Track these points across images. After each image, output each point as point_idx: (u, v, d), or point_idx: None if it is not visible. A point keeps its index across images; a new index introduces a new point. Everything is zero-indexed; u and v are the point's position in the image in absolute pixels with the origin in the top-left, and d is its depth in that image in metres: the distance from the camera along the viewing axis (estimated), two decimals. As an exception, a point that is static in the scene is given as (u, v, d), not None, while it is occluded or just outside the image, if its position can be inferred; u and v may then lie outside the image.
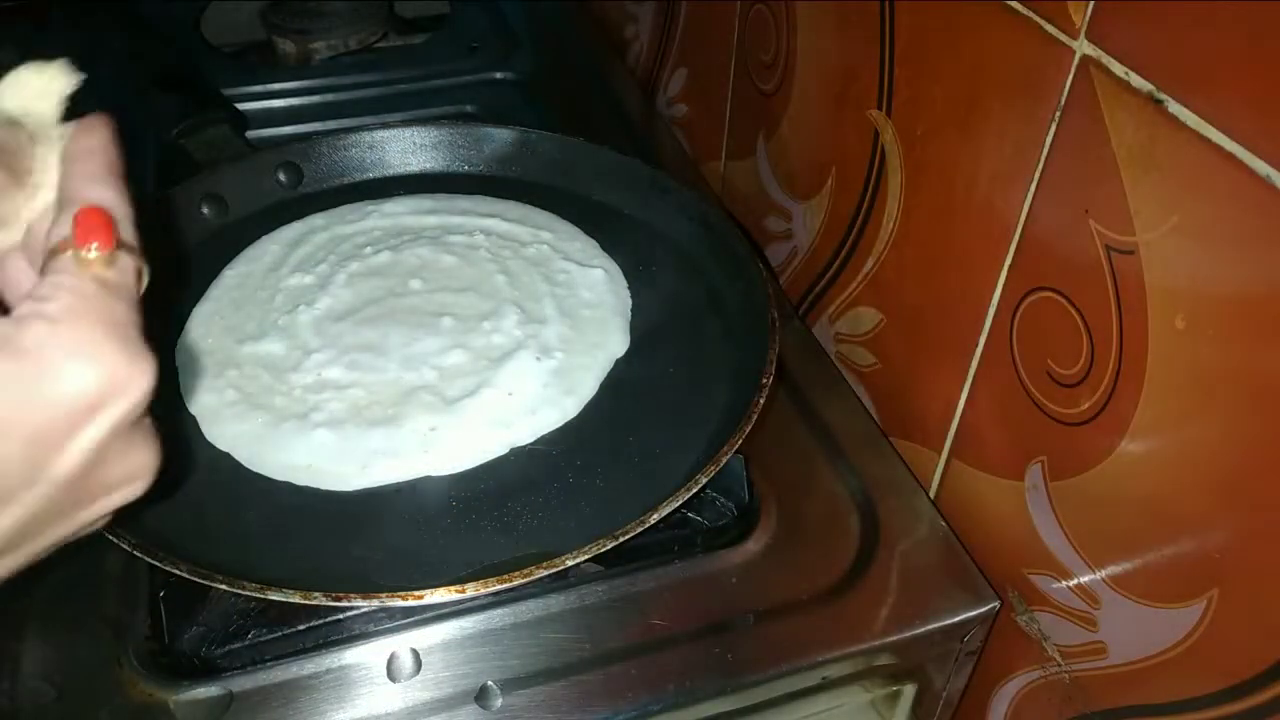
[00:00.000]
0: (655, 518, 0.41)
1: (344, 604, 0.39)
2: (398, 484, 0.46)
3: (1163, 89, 0.34)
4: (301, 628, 0.43)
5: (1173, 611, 0.38)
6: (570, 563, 0.39)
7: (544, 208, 0.62)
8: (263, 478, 0.46)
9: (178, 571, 0.38)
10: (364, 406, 0.48)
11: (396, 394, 0.49)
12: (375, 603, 0.40)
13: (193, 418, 0.48)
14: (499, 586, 0.39)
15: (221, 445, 0.47)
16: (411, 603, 0.39)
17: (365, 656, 0.42)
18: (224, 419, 0.48)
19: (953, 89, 0.46)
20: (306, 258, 0.57)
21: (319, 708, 0.40)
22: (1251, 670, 0.36)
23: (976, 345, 0.48)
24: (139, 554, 0.39)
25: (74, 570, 0.45)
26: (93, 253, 0.27)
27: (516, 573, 0.39)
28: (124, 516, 0.41)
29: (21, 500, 0.26)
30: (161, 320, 0.52)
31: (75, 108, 0.75)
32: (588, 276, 0.57)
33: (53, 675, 0.41)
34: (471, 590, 0.39)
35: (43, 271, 0.27)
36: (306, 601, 0.38)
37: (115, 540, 0.39)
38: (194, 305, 0.54)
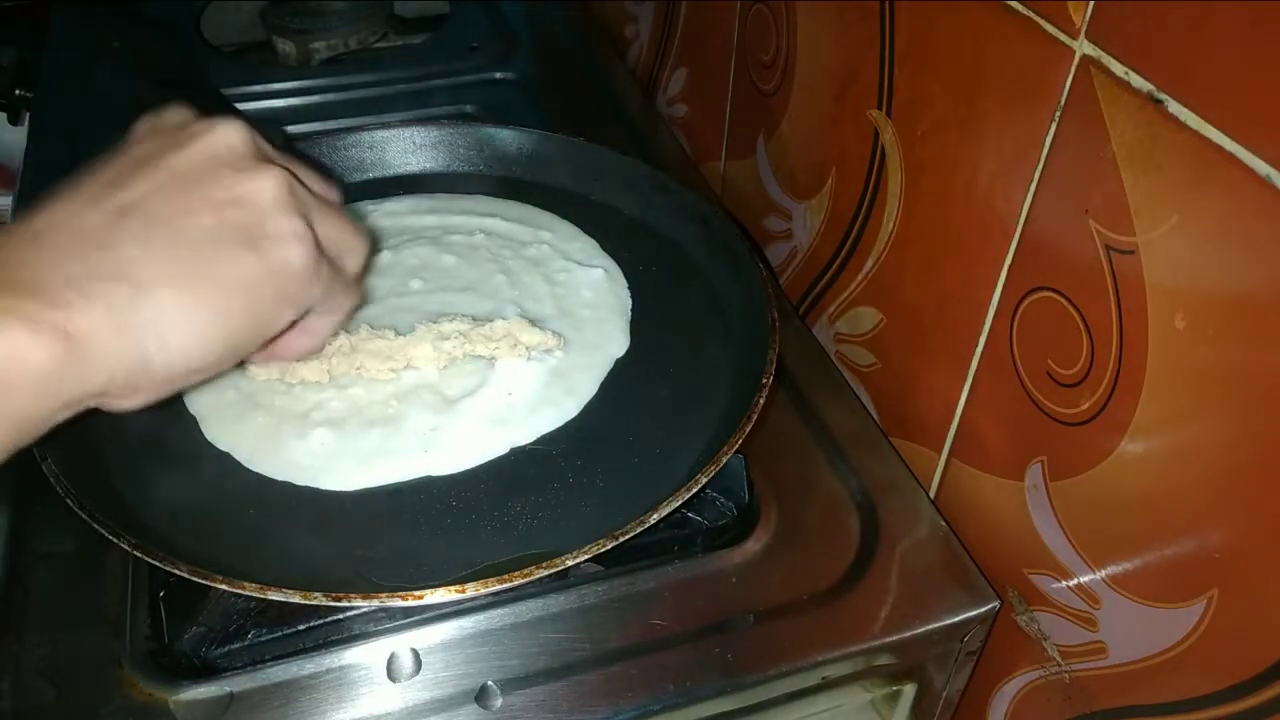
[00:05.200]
0: (655, 518, 0.41)
1: (344, 604, 0.39)
2: (398, 484, 0.46)
3: (1163, 89, 0.34)
4: (301, 628, 0.43)
5: (1173, 611, 0.38)
6: (570, 563, 0.39)
7: (544, 208, 0.62)
8: (263, 477, 0.46)
9: (178, 571, 0.38)
10: (364, 406, 0.48)
11: (396, 393, 0.49)
12: (375, 603, 0.40)
13: (192, 417, 0.48)
14: (499, 586, 0.39)
15: (221, 445, 0.47)
16: (411, 603, 0.39)
17: (365, 656, 0.42)
18: (224, 419, 0.48)
19: (953, 89, 0.46)
20: (306, 257, 0.57)
21: (319, 708, 0.40)
22: (1252, 670, 0.36)
23: (976, 345, 0.48)
24: (139, 554, 0.39)
25: (74, 570, 0.45)
26: None
27: (516, 573, 0.39)
28: (125, 517, 0.41)
29: None
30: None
31: (74, 111, 0.76)
32: (588, 276, 0.57)
33: (52, 675, 0.41)
34: (471, 590, 0.39)
35: None
36: (306, 601, 0.38)
37: (115, 540, 0.39)
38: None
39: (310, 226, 0.36)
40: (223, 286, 0.34)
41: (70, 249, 0.31)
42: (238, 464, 0.46)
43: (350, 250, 0.40)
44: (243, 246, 0.34)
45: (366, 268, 0.42)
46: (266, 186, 0.35)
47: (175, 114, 0.38)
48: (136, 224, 0.33)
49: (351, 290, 0.41)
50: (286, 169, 0.36)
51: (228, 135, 0.36)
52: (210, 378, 0.35)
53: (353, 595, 0.39)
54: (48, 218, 0.32)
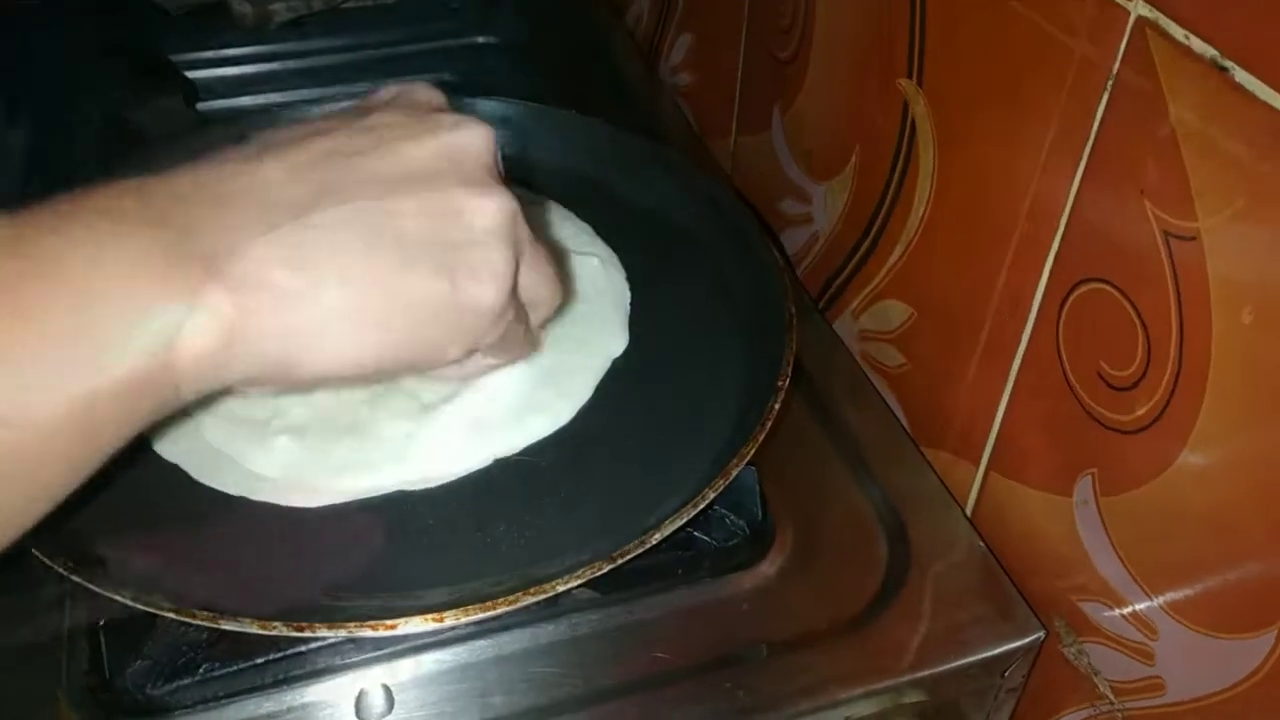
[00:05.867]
0: (657, 538, 0.41)
1: (307, 635, 0.39)
2: (368, 499, 0.46)
3: (1228, 55, 0.34)
4: (259, 661, 0.43)
5: (1239, 643, 0.38)
6: (562, 588, 0.39)
7: (531, 189, 0.61)
8: (217, 493, 0.45)
9: (119, 598, 0.38)
10: (329, 412, 0.48)
11: (367, 398, 0.49)
12: (342, 633, 0.39)
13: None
14: (482, 615, 0.39)
15: (169, 457, 0.47)
16: (383, 633, 0.39)
17: (331, 693, 0.42)
18: (172, 427, 0.47)
19: (992, 55, 0.46)
20: (266, 244, 0.57)
21: (278, 751, 0.40)
22: (1327, 709, 0.36)
23: (1018, 343, 0.48)
24: (77, 578, 0.39)
25: (8, 597, 0.45)
26: None
27: (502, 599, 0.39)
28: (62, 537, 0.41)
29: None
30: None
31: (11, 79, 0.75)
32: (582, 266, 0.56)
33: (-19, 713, 0.41)
34: (451, 619, 0.39)
35: None
36: (265, 632, 0.38)
37: (50, 563, 0.39)
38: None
39: (516, 267, 0.36)
40: (402, 305, 0.33)
41: (261, 221, 0.31)
42: (189, 477, 0.46)
43: (542, 302, 0.40)
44: (439, 268, 0.34)
45: (549, 320, 0.42)
46: (491, 211, 0.35)
47: (427, 93, 0.38)
48: (339, 209, 0.32)
49: (527, 341, 0.41)
50: (516, 197, 0.36)
51: (472, 139, 0.36)
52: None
53: (317, 625, 0.38)
54: (251, 174, 0.32)
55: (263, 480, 0.46)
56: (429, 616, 0.39)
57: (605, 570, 0.40)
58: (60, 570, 0.39)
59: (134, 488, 0.45)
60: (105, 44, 0.71)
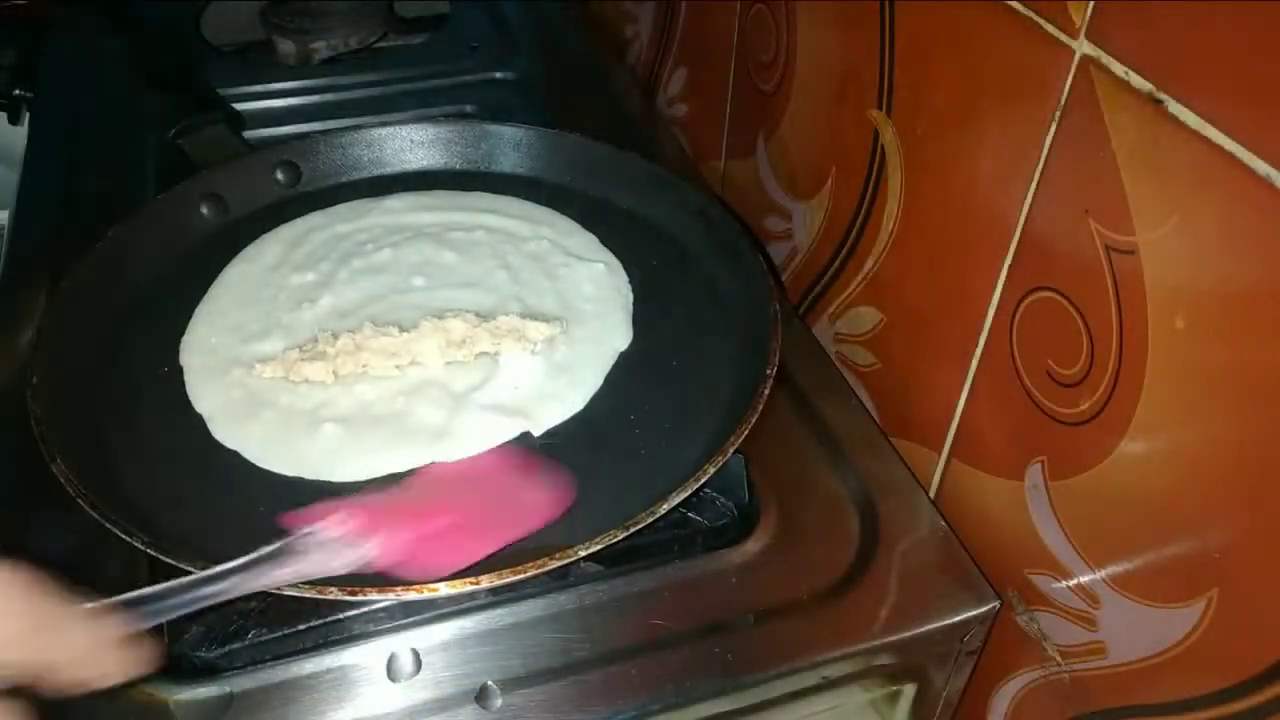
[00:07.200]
0: (665, 507, 0.41)
1: (358, 598, 0.38)
2: (406, 474, 0.46)
3: (1162, 89, 0.34)
4: (301, 627, 0.43)
5: (1172, 611, 0.38)
6: (583, 553, 0.39)
7: (543, 203, 0.62)
8: (273, 474, 0.46)
9: (194, 570, 0.38)
10: (371, 403, 0.48)
11: (403, 389, 0.49)
12: (391, 596, 0.39)
13: (200, 417, 0.48)
14: (513, 578, 0.39)
15: (230, 444, 0.47)
16: (427, 595, 0.39)
17: (365, 656, 0.42)
18: (231, 417, 0.48)
19: (953, 88, 0.46)
20: (308, 255, 0.57)
21: (318, 708, 0.40)
22: (1251, 670, 0.36)
23: (976, 345, 0.48)
24: (153, 552, 0.39)
25: (73, 572, 0.44)
26: None
27: (530, 564, 0.39)
28: (136, 518, 0.40)
29: None
30: (165, 320, 0.53)
31: (73, 111, 0.75)
32: (589, 271, 0.57)
33: (52, 674, 0.41)
34: (486, 582, 0.39)
35: None
36: (321, 596, 0.38)
37: (128, 539, 0.39)
38: (196, 305, 0.54)
39: None
40: None
41: None
42: (247, 462, 0.46)
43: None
44: None
45: None
46: None
47: None
48: None
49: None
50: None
51: None
52: None
53: (368, 589, 0.38)
54: None
55: (314, 461, 0.46)
56: (466, 580, 0.39)
57: (621, 538, 0.40)
58: (138, 545, 0.39)
59: (199, 472, 0.46)
60: (161, 79, 0.71)
